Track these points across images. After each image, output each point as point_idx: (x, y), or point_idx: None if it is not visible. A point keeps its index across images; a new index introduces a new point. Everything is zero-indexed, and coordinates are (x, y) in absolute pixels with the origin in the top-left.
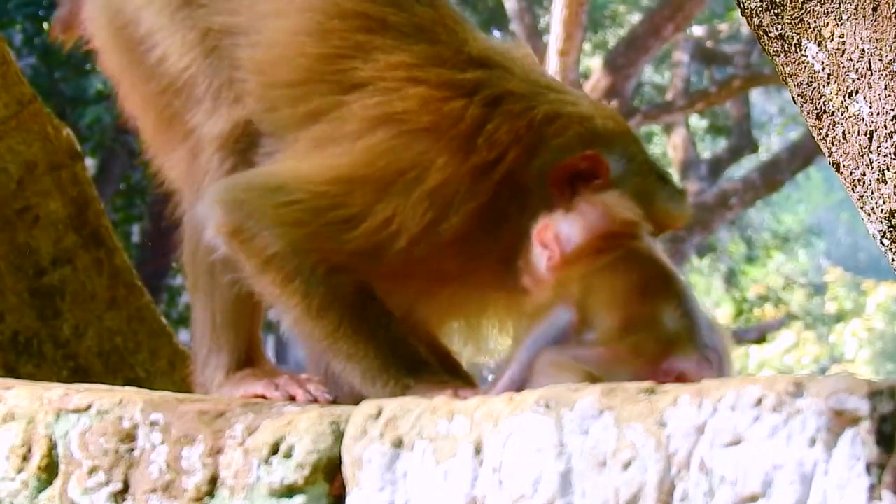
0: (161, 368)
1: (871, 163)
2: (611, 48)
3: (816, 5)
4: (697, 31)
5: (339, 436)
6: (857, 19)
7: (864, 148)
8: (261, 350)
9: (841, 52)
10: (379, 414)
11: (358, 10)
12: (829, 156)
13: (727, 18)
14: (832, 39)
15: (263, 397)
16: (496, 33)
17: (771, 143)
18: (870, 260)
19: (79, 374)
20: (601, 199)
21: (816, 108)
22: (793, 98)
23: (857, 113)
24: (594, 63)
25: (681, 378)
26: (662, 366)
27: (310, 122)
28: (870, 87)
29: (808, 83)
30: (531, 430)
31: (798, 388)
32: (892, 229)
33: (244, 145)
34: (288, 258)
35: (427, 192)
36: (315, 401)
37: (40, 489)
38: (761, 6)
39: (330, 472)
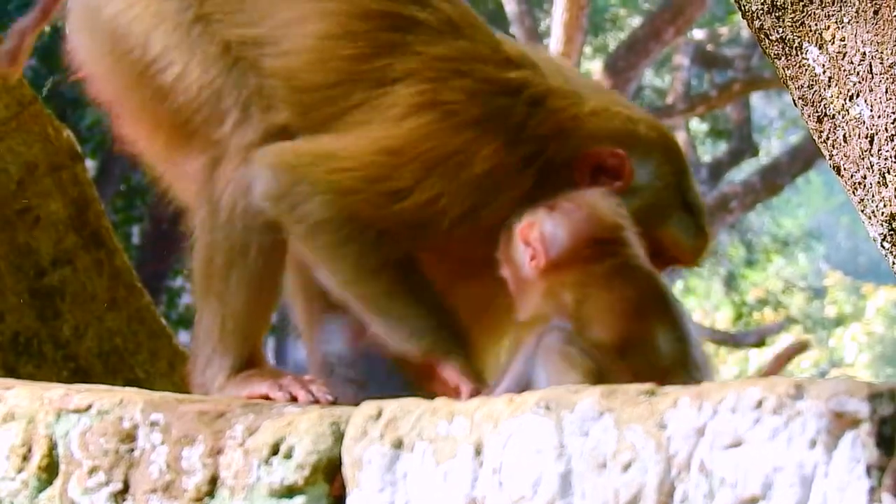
0: (161, 369)
1: (872, 166)
2: (611, 51)
3: (817, 8)
4: (698, 34)
5: (339, 436)
6: (858, 22)
7: (865, 151)
8: (262, 352)
9: (842, 55)
10: (379, 415)
11: (383, 9)
12: (830, 159)
13: (728, 22)
14: (833, 42)
15: (268, 398)
16: None
17: (771, 147)
18: (869, 264)
19: (79, 374)
20: (587, 200)
21: (817, 112)
22: (794, 101)
23: (857, 116)
24: (594, 66)
25: None
26: None
27: (353, 119)
28: (871, 91)
29: (808, 86)
30: (531, 432)
31: (798, 391)
32: (892, 233)
33: None
34: (340, 224)
35: (473, 177)
36: (317, 402)
37: (40, 489)
38: (762, 9)
39: (330, 473)
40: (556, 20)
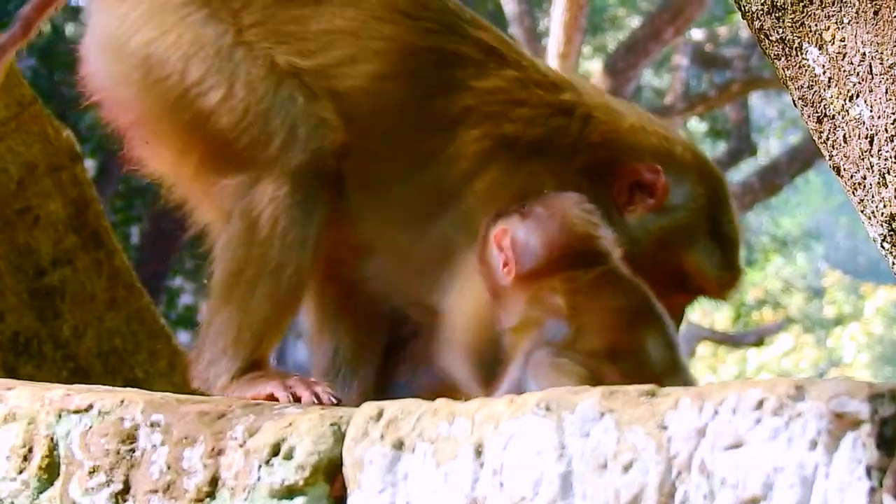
0: (160, 369)
1: (872, 166)
2: (610, 51)
3: (818, 9)
4: (697, 34)
5: (340, 437)
6: (858, 23)
7: (865, 151)
8: (268, 355)
9: (842, 55)
10: (380, 415)
11: (428, 46)
12: (830, 159)
13: (727, 22)
14: (833, 43)
15: (272, 398)
16: None
17: (770, 147)
18: (869, 264)
19: (78, 374)
20: (561, 207)
21: (817, 112)
22: (793, 101)
23: (857, 116)
24: (593, 66)
25: None
26: None
27: (419, 167)
28: (871, 91)
29: (808, 87)
30: (532, 433)
31: (799, 392)
32: (892, 233)
33: (322, 177)
34: None
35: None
36: (320, 403)
37: (41, 489)
38: (762, 10)
39: (331, 474)
40: (556, 20)
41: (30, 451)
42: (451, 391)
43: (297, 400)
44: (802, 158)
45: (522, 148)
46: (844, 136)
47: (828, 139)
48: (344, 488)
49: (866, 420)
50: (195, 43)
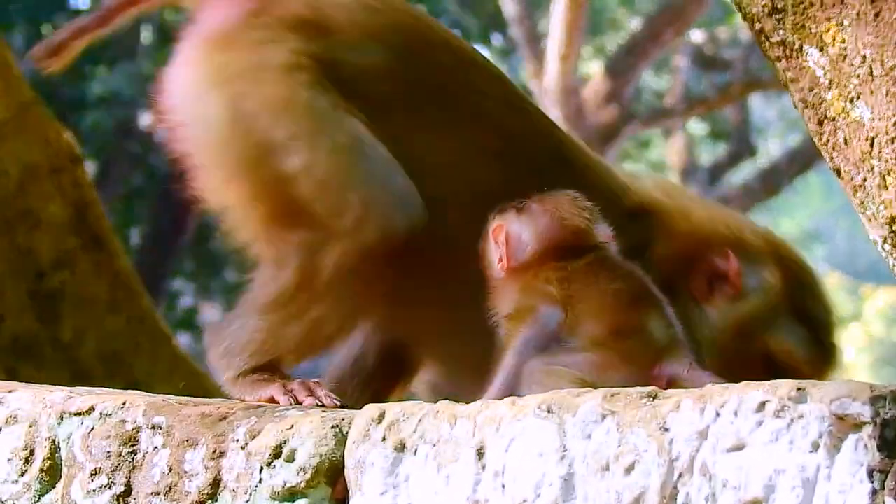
0: (161, 371)
1: (873, 168)
2: (610, 53)
3: (818, 11)
4: (696, 36)
5: (341, 439)
6: (858, 25)
7: (866, 153)
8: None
9: (843, 57)
10: (381, 417)
11: (515, 150)
12: (830, 161)
13: (727, 23)
14: (834, 45)
15: (274, 402)
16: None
17: (770, 149)
18: (869, 265)
19: (79, 376)
20: (555, 203)
21: (817, 114)
22: (794, 103)
23: (858, 118)
24: (593, 68)
25: (672, 383)
26: (654, 371)
27: None
28: (871, 93)
29: (809, 88)
30: (534, 435)
31: (801, 394)
32: (893, 234)
33: (390, 255)
34: None
35: None
36: (322, 406)
37: (43, 492)
38: (763, 11)
39: (332, 476)
40: (555, 22)
41: (31, 453)
42: None
43: (297, 404)
44: (802, 160)
45: None
46: (845, 138)
47: (828, 141)
48: (346, 490)
49: (868, 422)
50: (290, 103)
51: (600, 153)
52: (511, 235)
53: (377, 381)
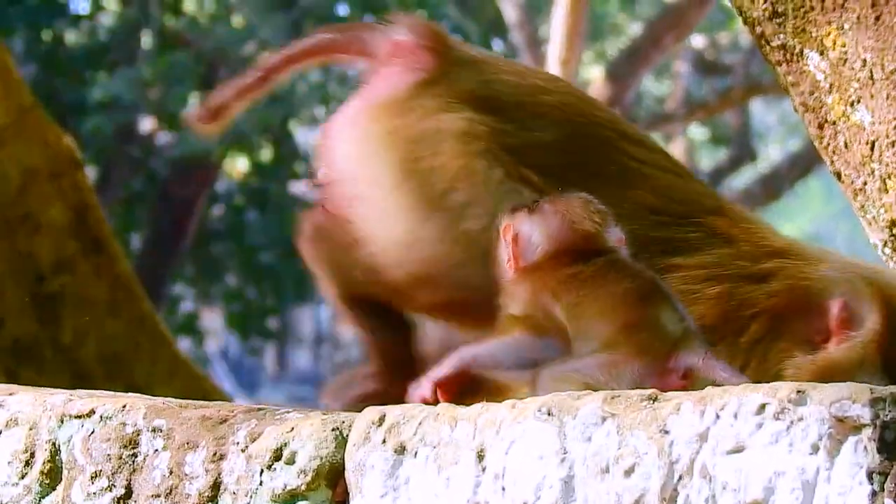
0: (161, 374)
1: (873, 172)
2: (611, 58)
3: (819, 14)
4: (697, 41)
5: (342, 442)
6: (859, 29)
7: (866, 157)
8: None
9: (843, 61)
10: (382, 420)
11: (659, 237)
12: (831, 165)
13: (727, 28)
14: (834, 49)
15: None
16: (496, 43)
17: (770, 154)
18: None
19: (79, 379)
20: (567, 205)
21: (818, 118)
22: (794, 107)
23: (858, 122)
24: (594, 73)
25: (688, 374)
26: (669, 363)
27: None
28: (871, 97)
29: (809, 92)
30: (534, 437)
31: (800, 396)
32: (893, 238)
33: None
34: None
35: None
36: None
37: (43, 494)
38: (763, 16)
39: (333, 478)
40: (556, 26)
41: (32, 456)
42: None
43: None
44: (803, 164)
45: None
46: (845, 142)
47: (829, 145)
48: (346, 493)
49: (868, 424)
50: (465, 169)
51: None
52: (522, 236)
53: None
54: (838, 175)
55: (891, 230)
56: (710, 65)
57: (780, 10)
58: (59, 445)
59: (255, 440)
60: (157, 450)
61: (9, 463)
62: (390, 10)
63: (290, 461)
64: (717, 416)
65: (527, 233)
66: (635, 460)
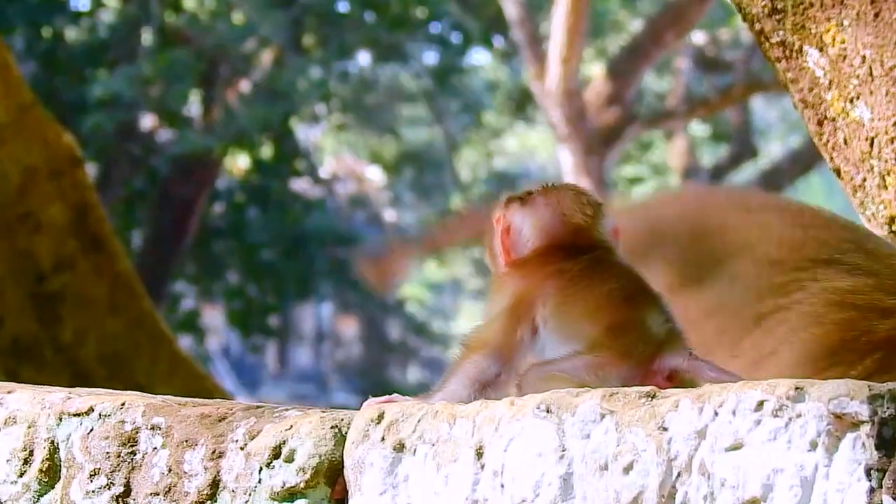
0: (161, 373)
1: (872, 168)
2: (611, 55)
3: (818, 11)
4: (698, 38)
5: (340, 440)
6: (858, 25)
7: (865, 154)
8: None
9: (842, 57)
10: (380, 418)
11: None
12: (830, 161)
13: (728, 24)
14: (834, 45)
15: None
16: (497, 40)
17: (771, 150)
18: None
19: (79, 378)
20: (559, 197)
21: (817, 114)
22: (794, 104)
23: (857, 119)
24: (595, 70)
25: (672, 376)
26: (653, 365)
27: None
28: (871, 93)
29: (809, 89)
30: (532, 435)
31: (799, 393)
32: (892, 234)
33: None
34: None
35: None
36: None
37: (42, 492)
38: (762, 12)
39: (332, 476)
40: (557, 24)
41: (30, 454)
42: None
43: None
44: (803, 161)
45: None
46: (845, 139)
47: (828, 141)
48: (345, 491)
49: (866, 421)
50: (763, 229)
51: (602, 155)
52: (512, 228)
53: None
54: (838, 172)
55: (890, 226)
56: (710, 61)
57: (779, 6)
58: (57, 443)
59: (253, 438)
60: (155, 448)
61: (7, 461)
62: (390, 8)
63: (289, 459)
64: (716, 413)
65: (518, 225)
66: (634, 457)
